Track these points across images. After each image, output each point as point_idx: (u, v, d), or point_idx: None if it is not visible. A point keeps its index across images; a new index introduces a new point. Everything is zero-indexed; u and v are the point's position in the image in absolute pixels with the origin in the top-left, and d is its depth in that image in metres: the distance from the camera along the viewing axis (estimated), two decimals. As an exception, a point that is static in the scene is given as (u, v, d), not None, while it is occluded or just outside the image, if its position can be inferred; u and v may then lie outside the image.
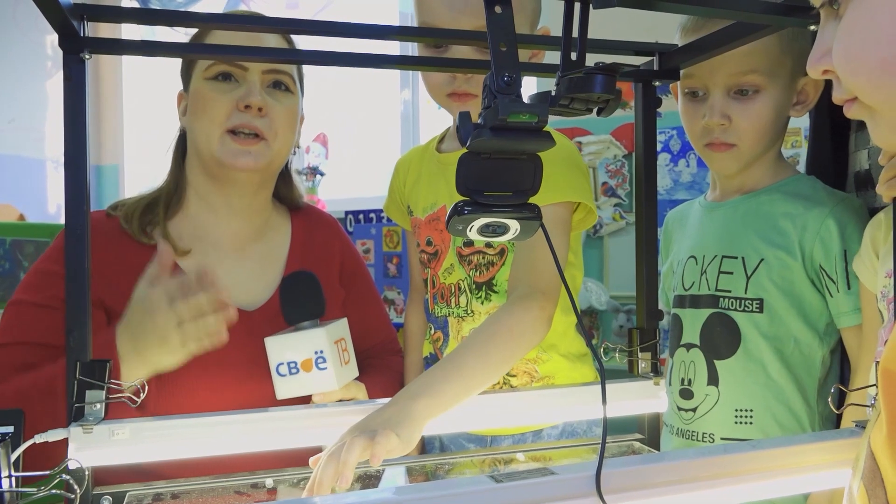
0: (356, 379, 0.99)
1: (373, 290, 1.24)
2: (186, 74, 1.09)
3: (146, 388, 0.81)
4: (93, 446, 0.74)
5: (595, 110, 0.65)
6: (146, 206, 1.07)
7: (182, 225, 1.08)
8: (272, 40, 1.07)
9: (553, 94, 0.63)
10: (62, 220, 0.79)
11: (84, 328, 0.78)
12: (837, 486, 0.59)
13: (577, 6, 0.62)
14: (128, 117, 4.33)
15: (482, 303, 1.03)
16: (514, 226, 0.64)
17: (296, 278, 0.99)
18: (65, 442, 0.74)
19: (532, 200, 0.91)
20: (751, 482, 0.55)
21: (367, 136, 3.82)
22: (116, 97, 4.30)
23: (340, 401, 0.95)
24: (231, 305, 0.89)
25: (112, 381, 0.79)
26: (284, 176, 1.17)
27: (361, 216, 2.97)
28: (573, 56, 0.64)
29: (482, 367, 0.84)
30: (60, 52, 0.76)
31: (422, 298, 1.16)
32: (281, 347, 0.92)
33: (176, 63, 1.11)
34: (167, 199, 1.08)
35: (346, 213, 2.97)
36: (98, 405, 0.77)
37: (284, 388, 0.93)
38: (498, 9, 0.59)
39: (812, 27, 0.67)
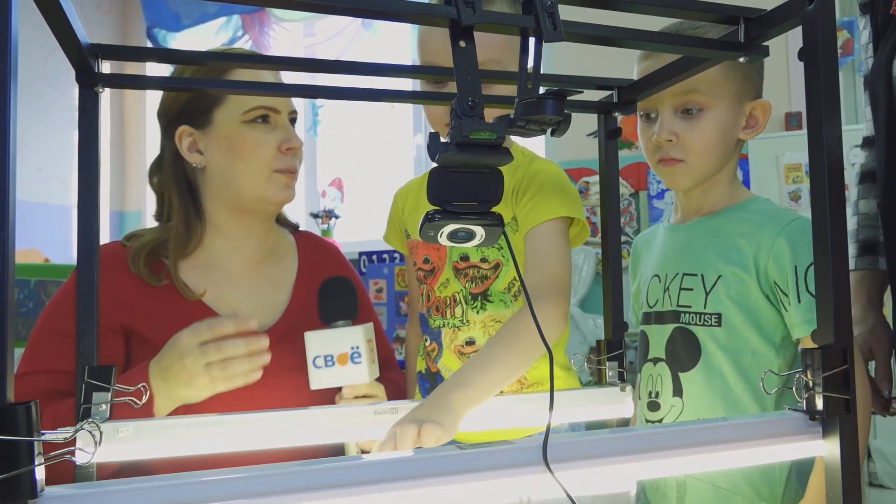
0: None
1: (371, 309, 1.32)
2: (206, 114, 1.11)
3: (148, 391, 0.88)
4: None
5: (549, 131, 0.73)
6: (151, 250, 1.11)
7: (195, 258, 1.14)
8: (268, 76, 1.12)
9: (511, 116, 0.72)
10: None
11: (92, 336, 0.84)
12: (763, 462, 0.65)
13: (532, 41, 0.71)
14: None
15: (477, 312, 1.11)
16: (479, 232, 0.71)
17: (334, 282, 1.05)
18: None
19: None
20: (671, 457, 0.62)
21: (381, 180, 3.89)
22: (140, 144, 4.44)
23: (364, 396, 1.02)
24: (267, 352, 0.96)
25: (117, 384, 0.86)
26: None
27: (375, 257, 3.04)
28: (529, 85, 0.73)
29: (508, 359, 0.92)
30: (89, 103, 0.85)
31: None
32: (320, 341, 0.98)
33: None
34: (176, 242, 1.11)
35: (360, 253, 3.04)
36: (104, 406, 0.83)
37: (319, 379, 0.98)
38: (462, 43, 0.67)
39: (741, 59, 0.76)
